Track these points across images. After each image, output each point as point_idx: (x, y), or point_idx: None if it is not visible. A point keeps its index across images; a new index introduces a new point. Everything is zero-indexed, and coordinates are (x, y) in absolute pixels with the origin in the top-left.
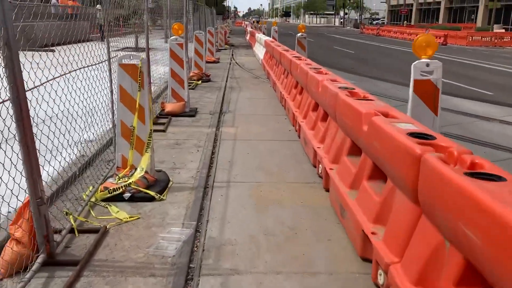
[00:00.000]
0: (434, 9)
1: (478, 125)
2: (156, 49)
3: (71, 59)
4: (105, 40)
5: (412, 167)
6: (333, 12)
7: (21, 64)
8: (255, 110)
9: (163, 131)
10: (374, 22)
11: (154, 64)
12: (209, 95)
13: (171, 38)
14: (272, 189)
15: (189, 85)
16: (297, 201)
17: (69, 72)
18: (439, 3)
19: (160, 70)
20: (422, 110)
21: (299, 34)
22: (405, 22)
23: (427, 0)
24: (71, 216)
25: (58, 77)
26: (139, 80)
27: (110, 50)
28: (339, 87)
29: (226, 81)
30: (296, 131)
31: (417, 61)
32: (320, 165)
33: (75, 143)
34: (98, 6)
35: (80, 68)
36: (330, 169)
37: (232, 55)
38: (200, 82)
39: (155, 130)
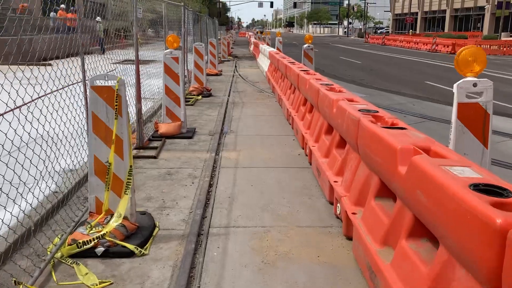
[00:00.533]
0: (439, 18)
1: (509, 144)
2: (158, 62)
3: (58, 74)
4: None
5: (489, 245)
6: (336, 22)
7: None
8: (260, 130)
9: (154, 157)
10: (379, 31)
11: (155, 78)
12: (210, 112)
13: (165, 51)
14: (281, 236)
15: (188, 101)
16: (312, 256)
17: (44, 95)
18: (444, 11)
19: (161, 83)
20: (468, 141)
21: (305, 45)
22: (411, 30)
23: (432, 9)
24: (21, 286)
25: (30, 102)
26: (116, 105)
27: (109, 62)
28: (360, 110)
29: (229, 96)
30: (306, 155)
31: (461, 81)
32: (339, 205)
33: (49, 174)
34: (98, 18)
35: (53, 91)
36: (353, 213)
37: (235, 66)
38: (200, 97)
39: (145, 156)
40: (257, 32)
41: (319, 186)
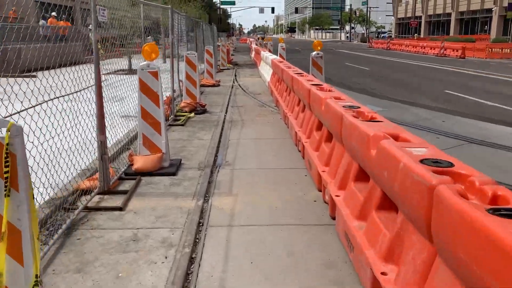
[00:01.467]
0: (444, 21)
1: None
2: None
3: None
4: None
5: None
6: (338, 27)
7: None
8: (262, 160)
9: (120, 208)
10: (381, 36)
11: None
12: (202, 135)
13: (141, 64)
14: None
15: (178, 120)
16: None
17: None
18: (449, 14)
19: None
20: None
21: (314, 53)
22: (416, 34)
23: (436, 12)
24: None
25: None
26: (7, 173)
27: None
28: (422, 161)
29: (226, 112)
30: (326, 202)
31: None
32: None
33: None
34: (90, 25)
35: None
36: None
37: (235, 75)
38: (192, 114)
39: (108, 208)
40: (258, 38)
41: (351, 262)
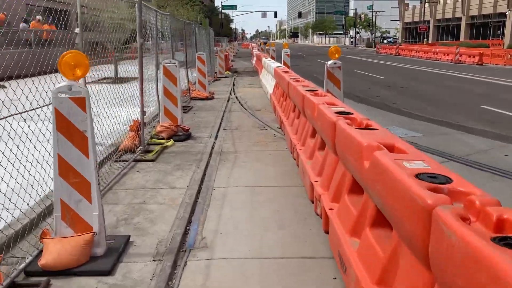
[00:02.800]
0: (454, 26)
1: None
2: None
3: None
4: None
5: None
6: (342, 32)
7: None
8: (262, 241)
9: None
10: (385, 41)
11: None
12: (176, 178)
13: (57, 87)
14: None
15: (149, 152)
16: None
17: None
18: (459, 19)
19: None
20: None
21: (330, 62)
22: (425, 40)
23: (445, 16)
24: None
25: None
26: None
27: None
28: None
29: (216, 138)
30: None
31: None
32: None
33: None
34: (76, 29)
35: None
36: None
37: (233, 85)
38: (171, 142)
39: None
40: (260, 43)
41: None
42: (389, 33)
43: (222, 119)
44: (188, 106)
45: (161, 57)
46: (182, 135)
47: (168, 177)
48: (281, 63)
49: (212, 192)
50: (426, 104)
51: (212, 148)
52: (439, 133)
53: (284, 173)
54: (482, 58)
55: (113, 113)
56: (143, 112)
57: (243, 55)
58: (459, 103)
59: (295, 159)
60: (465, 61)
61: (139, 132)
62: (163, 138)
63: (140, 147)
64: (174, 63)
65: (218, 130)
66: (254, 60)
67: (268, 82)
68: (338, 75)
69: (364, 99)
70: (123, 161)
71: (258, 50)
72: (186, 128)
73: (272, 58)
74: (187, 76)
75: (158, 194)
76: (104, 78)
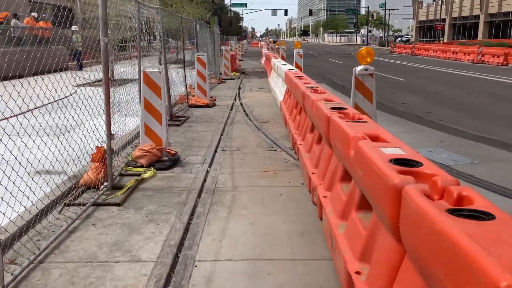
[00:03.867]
0: (471, 24)
1: None
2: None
3: None
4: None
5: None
6: (353, 30)
7: None
8: None
9: None
10: (398, 40)
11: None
12: (143, 239)
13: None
14: None
15: (119, 189)
16: None
17: None
18: (477, 17)
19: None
20: None
21: (359, 68)
22: (441, 38)
23: (462, 14)
24: None
25: None
26: None
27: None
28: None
29: (210, 164)
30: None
31: None
32: None
33: None
34: (74, 27)
35: None
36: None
37: (239, 88)
38: (150, 172)
39: None
40: (270, 42)
41: None
42: (401, 31)
43: (221, 135)
44: (184, 117)
45: (152, 59)
46: (167, 160)
47: (133, 236)
48: (292, 65)
49: (192, 271)
50: (464, 115)
51: (204, 181)
52: (497, 159)
53: (302, 233)
54: (507, 58)
55: (97, 124)
56: (110, 136)
57: (252, 54)
58: (502, 113)
59: (315, 204)
60: (488, 61)
61: (104, 162)
62: (142, 166)
63: (105, 184)
64: (157, 70)
65: (215, 151)
66: (263, 60)
67: (277, 86)
68: (370, 85)
69: (390, 108)
70: (79, 204)
71: (268, 49)
72: (173, 152)
73: (283, 58)
74: (185, 80)
75: (109, 276)
76: (98, 80)
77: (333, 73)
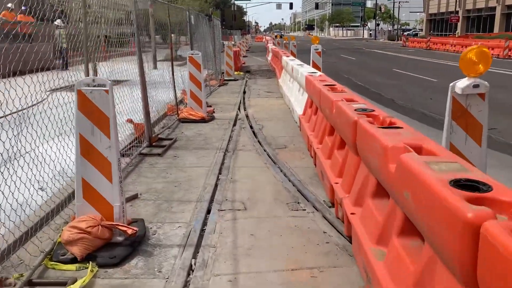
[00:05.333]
0: (486, 16)
1: None
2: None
3: None
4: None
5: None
6: (359, 24)
7: None
8: None
9: None
10: (406, 33)
11: None
12: None
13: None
14: None
15: None
16: None
17: None
18: (493, 8)
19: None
20: None
21: (464, 83)
22: (457, 32)
23: (476, 6)
24: None
25: None
26: None
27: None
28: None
29: (197, 251)
30: None
31: None
32: None
33: None
34: (57, 21)
35: None
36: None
37: (244, 92)
38: (86, 277)
39: None
40: (276, 37)
41: None
42: (408, 25)
43: (219, 174)
44: (169, 139)
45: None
46: (120, 243)
47: None
48: (310, 66)
49: None
50: None
51: None
52: None
53: None
54: None
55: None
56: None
57: (257, 50)
58: None
59: None
60: None
61: None
62: (74, 259)
63: None
64: (101, 87)
65: (208, 212)
66: (269, 57)
67: (292, 92)
68: (480, 114)
69: (438, 123)
70: None
71: (273, 44)
72: (129, 232)
73: (293, 54)
74: (174, 87)
75: None
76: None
77: (349, 72)
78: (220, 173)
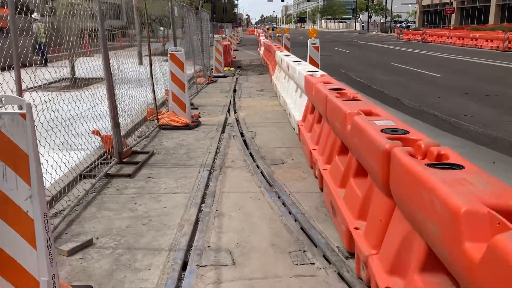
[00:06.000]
0: (480, 8)
1: None
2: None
3: None
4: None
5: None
6: (350, 16)
7: None
8: None
9: None
10: (397, 25)
11: None
12: None
13: None
14: None
15: None
16: None
17: None
18: (488, 0)
19: None
20: None
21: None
22: (452, 23)
23: None
24: None
25: None
26: None
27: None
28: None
29: None
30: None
31: None
32: None
33: None
34: (34, 14)
35: None
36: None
37: (235, 91)
38: None
39: None
40: (267, 29)
41: None
42: (400, 17)
43: (201, 206)
44: (145, 153)
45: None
46: None
47: None
48: (307, 62)
49: None
50: None
51: None
52: None
53: None
54: None
55: None
56: None
57: (248, 43)
58: None
59: None
60: None
61: None
62: None
63: None
64: (18, 108)
65: (184, 269)
66: (261, 50)
67: (288, 92)
68: None
69: (454, 126)
70: None
71: (265, 38)
72: None
73: (287, 49)
74: (153, 88)
75: None
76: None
77: (347, 67)
78: (203, 201)
